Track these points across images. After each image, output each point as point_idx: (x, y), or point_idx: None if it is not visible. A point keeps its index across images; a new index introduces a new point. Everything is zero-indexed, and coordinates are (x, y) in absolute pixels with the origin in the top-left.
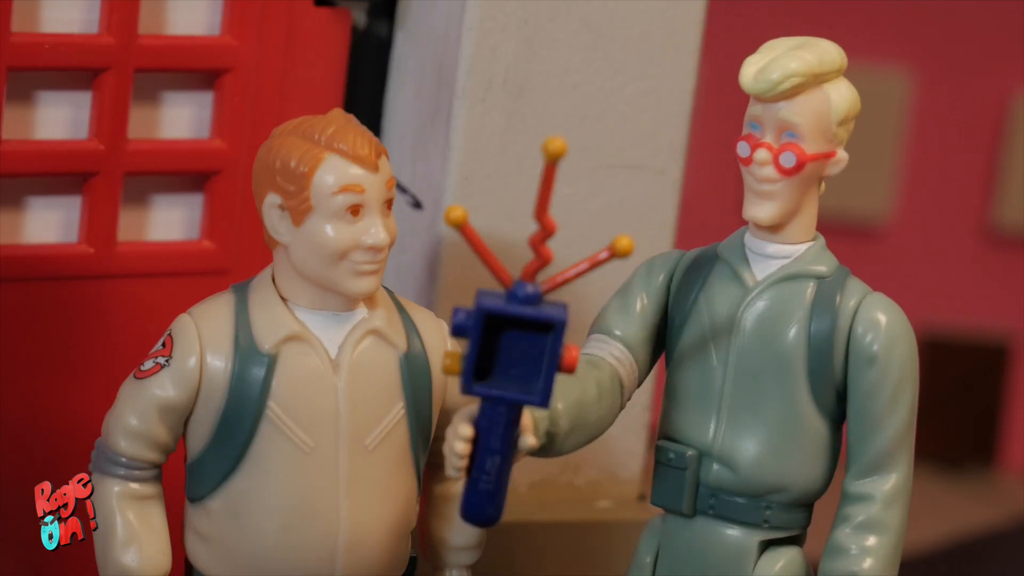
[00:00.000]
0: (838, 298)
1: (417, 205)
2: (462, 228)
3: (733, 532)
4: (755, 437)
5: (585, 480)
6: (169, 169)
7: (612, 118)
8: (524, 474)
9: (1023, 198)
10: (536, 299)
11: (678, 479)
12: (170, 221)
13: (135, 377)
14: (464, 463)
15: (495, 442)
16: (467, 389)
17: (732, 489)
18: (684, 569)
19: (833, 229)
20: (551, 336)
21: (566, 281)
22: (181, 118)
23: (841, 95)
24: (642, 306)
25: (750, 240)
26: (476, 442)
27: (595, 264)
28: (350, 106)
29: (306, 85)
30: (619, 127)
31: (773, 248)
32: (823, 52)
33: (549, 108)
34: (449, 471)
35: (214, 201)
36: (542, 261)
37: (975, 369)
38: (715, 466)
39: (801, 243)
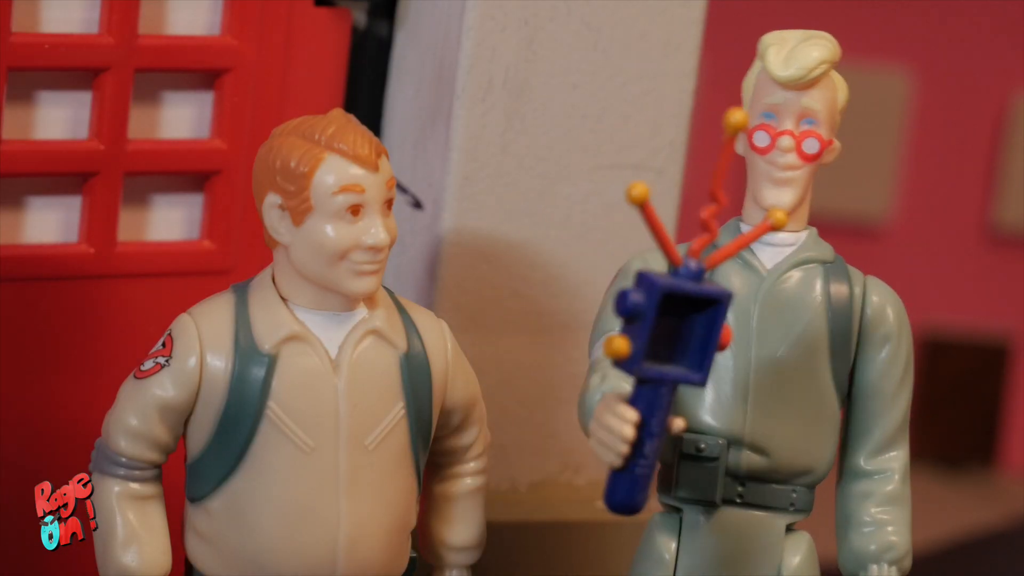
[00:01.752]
0: (846, 282)
1: (417, 205)
2: (643, 206)
3: (762, 518)
4: (785, 421)
5: (585, 480)
6: (169, 169)
7: (612, 118)
8: (524, 474)
9: (1023, 198)
10: (701, 275)
11: (710, 470)
12: (170, 221)
13: (135, 377)
14: (628, 449)
15: (656, 425)
16: (638, 371)
17: (764, 475)
18: (712, 560)
19: (833, 229)
20: (717, 312)
21: (728, 255)
22: (181, 118)
23: (842, 83)
24: None
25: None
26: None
27: (760, 233)
28: (350, 106)
29: (306, 85)
30: (619, 127)
31: (779, 236)
32: (831, 41)
33: (549, 108)
34: (610, 459)
35: (214, 201)
36: (711, 236)
37: (975, 369)
38: (746, 453)
39: (802, 231)
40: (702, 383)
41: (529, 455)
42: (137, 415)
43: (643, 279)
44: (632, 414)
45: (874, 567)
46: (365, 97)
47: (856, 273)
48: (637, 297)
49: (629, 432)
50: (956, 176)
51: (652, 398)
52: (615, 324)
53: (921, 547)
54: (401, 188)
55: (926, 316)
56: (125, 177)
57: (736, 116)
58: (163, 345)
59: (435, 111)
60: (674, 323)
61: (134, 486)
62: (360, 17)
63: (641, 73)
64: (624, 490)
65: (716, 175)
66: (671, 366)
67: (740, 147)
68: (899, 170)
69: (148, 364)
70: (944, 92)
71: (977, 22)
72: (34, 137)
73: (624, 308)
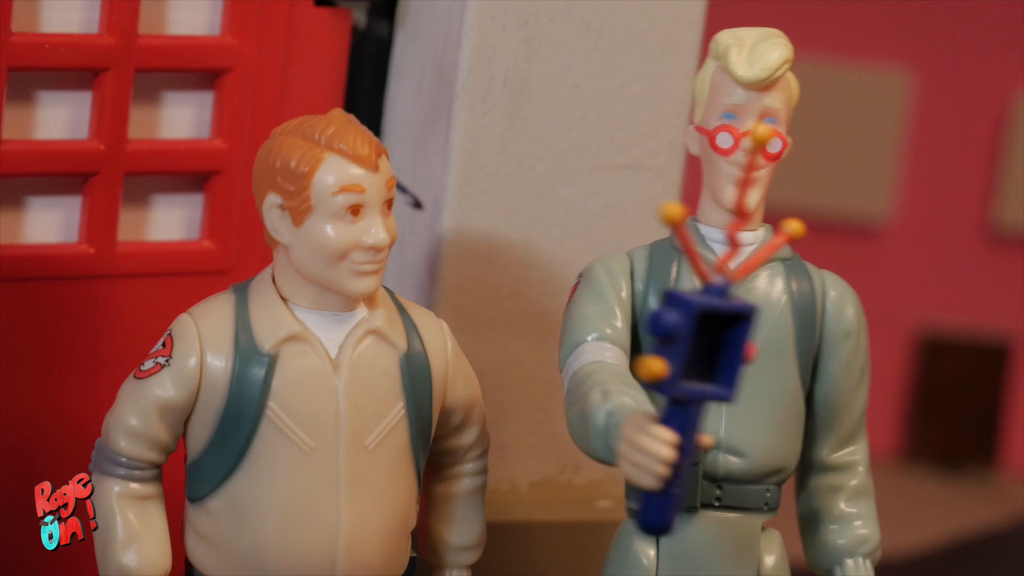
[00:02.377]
0: (806, 279)
1: (417, 205)
2: (677, 227)
3: (739, 519)
4: (759, 421)
5: (585, 480)
6: (169, 169)
7: (612, 118)
8: (524, 474)
9: (1023, 198)
10: (727, 291)
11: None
12: (170, 221)
13: (135, 377)
14: (668, 471)
15: (689, 444)
16: (677, 391)
17: (740, 477)
18: (693, 565)
19: (833, 229)
20: (744, 327)
21: (751, 268)
22: (181, 118)
23: (795, 81)
24: (621, 308)
25: (709, 230)
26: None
27: (780, 245)
28: (350, 106)
29: (306, 85)
30: (619, 127)
31: (740, 236)
32: (786, 39)
33: (549, 108)
34: (648, 482)
35: (214, 201)
36: (736, 250)
37: (975, 369)
38: (724, 456)
39: (760, 229)
40: (732, 399)
41: (529, 455)
42: (137, 415)
43: (675, 299)
44: (671, 435)
45: (849, 561)
46: (365, 97)
47: (813, 269)
48: (673, 318)
49: (669, 454)
50: (956, 176)
51: (685, 417)
52: (587, 333)
53: (921, 547)
54: (401, 188)
55: (926, 316)
56: (125, 177)
57: (761, 130)
58: (163, 345)
59: (435, 111)
60: (700, 340)
61: (134, 486)
62: (360, 17)
63: (641, 73)
64: (659, 511)
65: (741, 190)
66: (704, 384)
67: (696, 148)
68: (899, 170)
69: (148, 364)
70: (944, 92)
71: (977, 22)
72: (34, 137)
73: (660, 329)
